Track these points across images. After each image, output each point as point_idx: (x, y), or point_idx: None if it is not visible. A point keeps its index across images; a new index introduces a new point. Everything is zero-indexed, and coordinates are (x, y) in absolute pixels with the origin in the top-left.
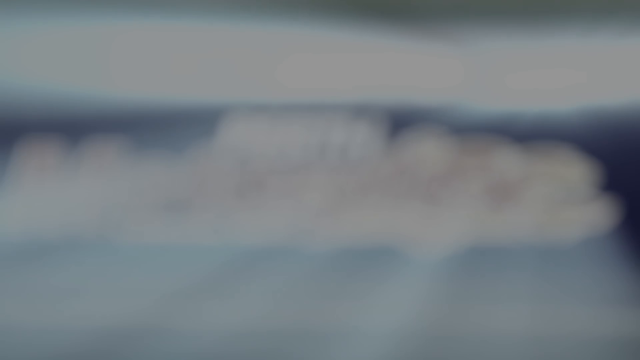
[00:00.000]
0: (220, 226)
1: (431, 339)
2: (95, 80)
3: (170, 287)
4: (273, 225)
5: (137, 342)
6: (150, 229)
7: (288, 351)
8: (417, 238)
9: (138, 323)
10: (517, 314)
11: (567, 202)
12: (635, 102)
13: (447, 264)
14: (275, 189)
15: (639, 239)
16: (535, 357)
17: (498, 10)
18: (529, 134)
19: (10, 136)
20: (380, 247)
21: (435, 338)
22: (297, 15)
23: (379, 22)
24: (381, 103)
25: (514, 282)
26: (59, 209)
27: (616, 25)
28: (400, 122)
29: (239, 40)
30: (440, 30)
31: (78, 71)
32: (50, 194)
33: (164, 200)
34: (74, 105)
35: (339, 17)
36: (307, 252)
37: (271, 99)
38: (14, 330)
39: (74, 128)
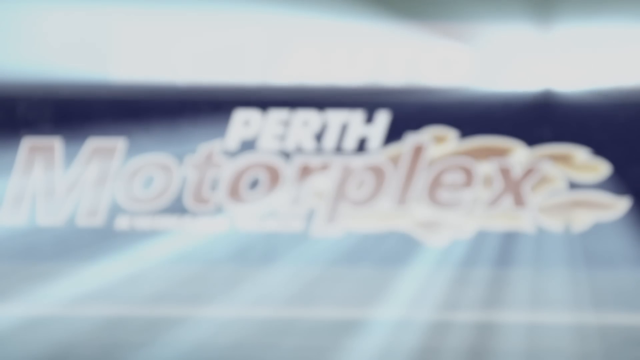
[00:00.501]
0: (230, 215)
1: (436, 326)
2: (100, 71)
3: (177, 276)
4: (279, 216)
5: (141, 330)
6: (158, 219)
7: (298, 338)
8: (425, 229)
9: (143, 312)
10: (522, 304)
11: (574, 195)
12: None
13: (456, 253)
14: (284, 180)
15: None
16: (542, 342)
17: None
18: (537, 129)
19: (14, 131)
20: (387, 238)
21: (441, 325)
22: (307, 8)
23: (389, 16)
24: (391, 98)
25: (519, 275)
26: (64, 202)
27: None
28: (410, 118)
29: (247, 31)
30: (448, 25)
31: (81, 63)
32: (54, 187)
33: (170, 192)
34: (76, 98)
35: (348, 11)
36: (317, 241)
37: (280, 92)
38: (24, 320)
39: (78, 123)
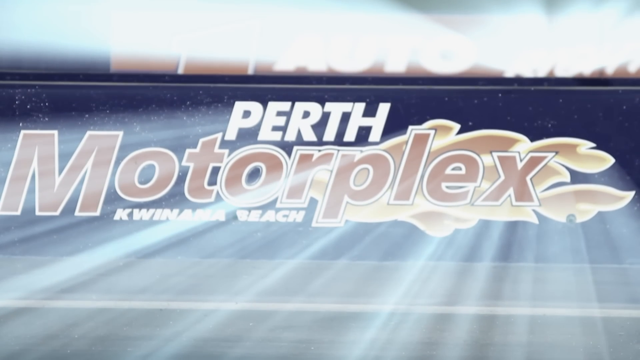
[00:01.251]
0: (230, 207)
1: (439, 319)
2: (99, 60)
3: (176, 267)
4: (280, 208)
5: (139, 322)
6: (158, 210)
7: (298, 331)
8: (427, 221)
9: (140, 304)
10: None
11: (578, 187)
12: None
13: (459, 246)
14: (284, 171)
15: None
16: (546, 332)
17: None
18: (541, 119)
19: (11, 121)
20: (389, 230)
21: (443, 318)
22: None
23: (393, 8)
24: (393, 88)
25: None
26: (62, 192)
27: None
28: (412, 108)
29: (248, 19)
30: (452, 17)
31: (80, 52)
32: (52, 178)
33: (170, 183)
34: (75, 87)
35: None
36: (317, 233)
37: (281, 81)
38: (21, 311)
39: (76, 112)
